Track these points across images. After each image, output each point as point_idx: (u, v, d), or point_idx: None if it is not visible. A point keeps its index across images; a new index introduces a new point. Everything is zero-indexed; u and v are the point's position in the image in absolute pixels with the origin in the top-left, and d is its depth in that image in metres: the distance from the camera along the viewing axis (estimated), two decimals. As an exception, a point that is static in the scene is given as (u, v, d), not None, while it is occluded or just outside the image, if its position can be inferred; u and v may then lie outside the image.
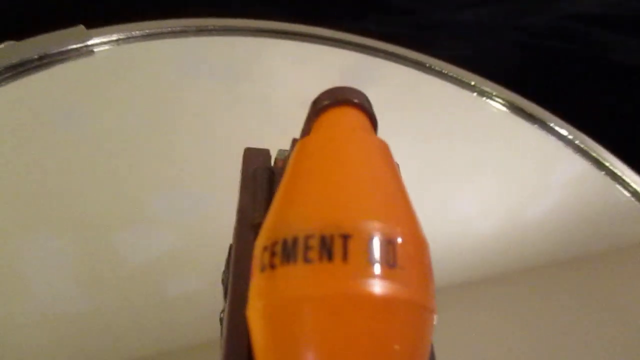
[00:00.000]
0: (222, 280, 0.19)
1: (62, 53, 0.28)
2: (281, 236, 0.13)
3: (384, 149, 0.15)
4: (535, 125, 0.38)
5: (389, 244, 0.13)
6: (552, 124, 0.38)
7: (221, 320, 0.19)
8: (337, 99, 0.16)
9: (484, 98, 0.39)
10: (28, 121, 0.32)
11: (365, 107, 0.16)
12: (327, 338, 0.12)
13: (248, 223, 0.17)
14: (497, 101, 0.39)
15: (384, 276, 0.13)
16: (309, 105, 0.17)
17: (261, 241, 0.14)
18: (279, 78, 0.37)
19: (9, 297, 0.27)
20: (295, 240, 0.13)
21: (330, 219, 0.13)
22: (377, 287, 0.12)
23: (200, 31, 0.33)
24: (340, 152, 0.15)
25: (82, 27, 0.28)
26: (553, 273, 0.34)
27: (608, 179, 0.37)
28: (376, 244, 0.13)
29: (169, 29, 0.33)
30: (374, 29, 0.46)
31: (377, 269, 0.13)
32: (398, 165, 0.19)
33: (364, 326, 0.12)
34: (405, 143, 0.35)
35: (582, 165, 0.37)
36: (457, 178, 0.36)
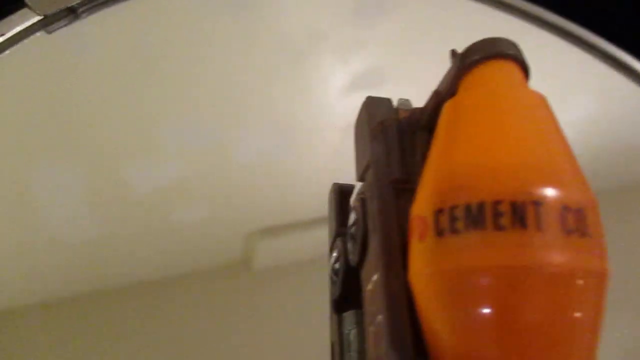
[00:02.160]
0: (336, 231, 0.18)
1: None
2: (462, 200, 0.13)
3: (545, 103, 0.15)
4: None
5: (578, 212, 0.13)
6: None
7: (334, 271, 0.19)
8: (490, 53, 0.15)
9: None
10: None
11: (519, 59, 0.15)
12: (523, 307, 0.12)
13: (387, 178, 0.16)
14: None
15: (578, 247, 0.12)
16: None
17: (430, 204, 0.13)
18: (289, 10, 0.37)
19: (22, 223, 0.28)
20: (481, 206, 0.13)
21: (520, 185, 0.13)
22: (573, 259, 0.12)
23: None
24: (503, 111, 0.14)
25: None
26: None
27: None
28: (568, 212, 0.12)
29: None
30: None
31: (571, 239, 0.12)
32: None
33: (559, 296, 0.12)
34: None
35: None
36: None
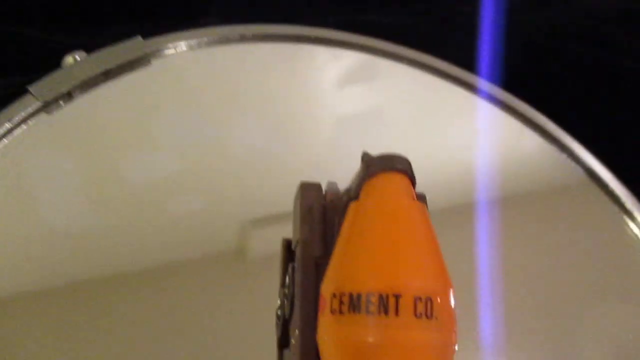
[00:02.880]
0: (281, 280, 0.23)
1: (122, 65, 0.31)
2: (348, 290, 0.18)
3: (424, 212, 0.20)
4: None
5: (427, 301, 0.18)
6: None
7: (278, 316, 0.24)
8: (386, 167, 0.20)
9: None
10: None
11: (408, 173, 0.20)
12: None
13: (310, 255, 0.21)
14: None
15: (425, 327, 0.17)
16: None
17: (330, 287, 0.19)
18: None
19: (20, 214, 0.30)
20: (359, 295, 0.18)
21: (386, 281, 0.18)
22: (421, 336, 0.17)
23: (243, 38, 0.36)
24: (389, 218, 0.19)
25: (139, 38, 0.31)
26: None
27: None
28: (419, 301, 0.18)
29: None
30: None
31: (420, 321, 0.17)
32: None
33: None
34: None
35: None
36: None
